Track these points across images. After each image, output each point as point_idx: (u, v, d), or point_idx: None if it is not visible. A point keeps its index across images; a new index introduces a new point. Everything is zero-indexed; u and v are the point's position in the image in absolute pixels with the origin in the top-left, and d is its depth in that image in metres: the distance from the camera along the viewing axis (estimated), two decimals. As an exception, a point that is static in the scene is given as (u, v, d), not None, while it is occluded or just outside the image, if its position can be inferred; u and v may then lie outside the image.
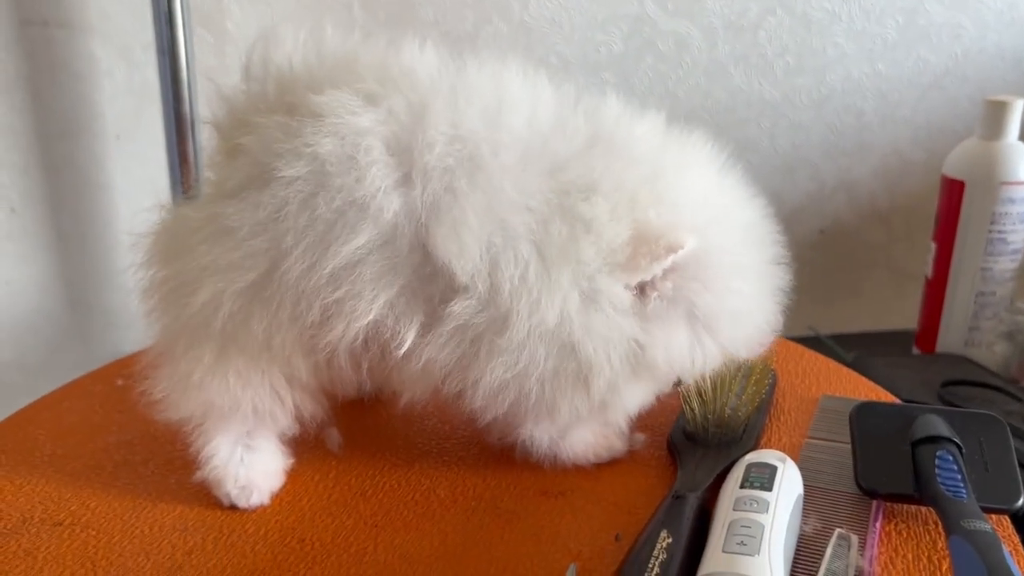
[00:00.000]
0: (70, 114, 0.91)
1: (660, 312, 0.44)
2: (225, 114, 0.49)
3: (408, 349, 0.43)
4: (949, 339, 0.87)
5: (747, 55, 0.96)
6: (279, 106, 0.45)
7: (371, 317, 0.42)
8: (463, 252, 0.41)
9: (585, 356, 0.43)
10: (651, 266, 0.42)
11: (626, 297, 0.43)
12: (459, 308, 0.42)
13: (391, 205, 0.41)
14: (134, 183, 0.95)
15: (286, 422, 0.49)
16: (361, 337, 0.44)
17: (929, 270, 0.88)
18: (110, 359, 1.01)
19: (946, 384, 0.75)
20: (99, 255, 0.96)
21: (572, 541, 0.45)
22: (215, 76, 0.91)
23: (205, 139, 0.90)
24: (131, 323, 0.99)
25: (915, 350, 0.92)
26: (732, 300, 0.46)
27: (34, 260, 0.95)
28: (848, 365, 0.70)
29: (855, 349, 0.96)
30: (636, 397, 0.48)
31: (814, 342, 1.00)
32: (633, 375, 0.45)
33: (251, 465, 0.49)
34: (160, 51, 0.84)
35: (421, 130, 0.42)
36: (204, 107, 0.90)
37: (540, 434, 0.49)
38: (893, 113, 1.00)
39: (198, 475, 0.49)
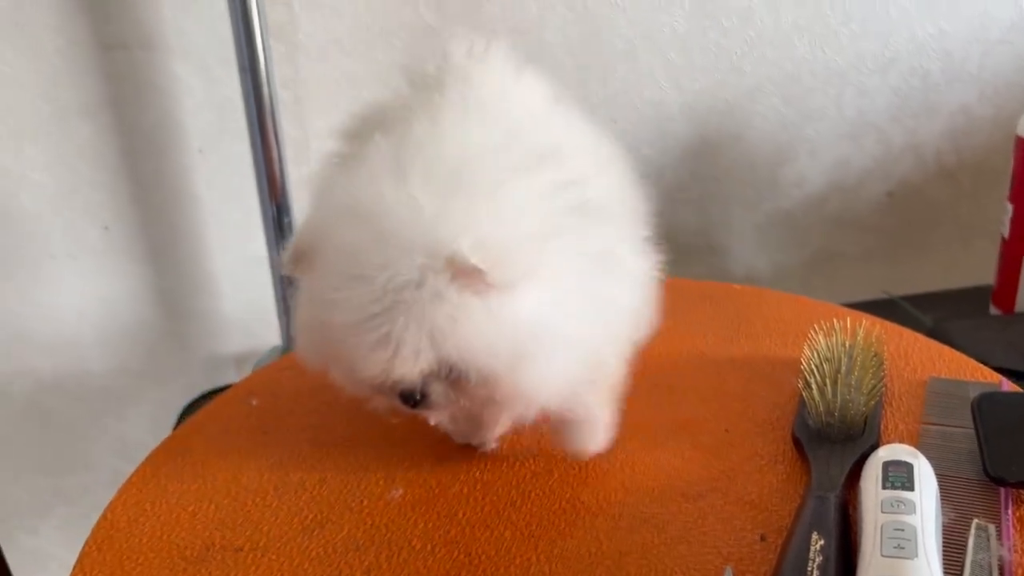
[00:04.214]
0: (154, 131, 0.94)
1: None
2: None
3: None
4: (1028, 298, 0.88)
5: (811, 25, 0.97)
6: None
7: None
8: None
9: None
10: None
11: None
12: None
13: None
14: (218, 192, 0.98)
15: None
16: None
17: (1006, 230, 0.90)
18: (206, 362, 1.05)
19: (1035, 348, 0.77)
20: (191, 263, 1.00)
21: (721, 543, 0.48)
22: (290, 86, 0.94)
23: (287, 149, 0.93)
24: (225, 326, 1.03)
25: (992, 309, 0.94)
26: None
27: (130, 273, 0.99)
28: (928, 331, 0.72)
29: (929, 309, 0.98)
30: None
31: (888, 304, 1.02)
32: None
33: None
34: (241, 68, 0.86)
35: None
36: (284, 117, 0.92)
37: None
38: (959, 71, 1.01)
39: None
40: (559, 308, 0.44)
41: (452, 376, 0.43)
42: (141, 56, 0.90)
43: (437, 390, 0.44)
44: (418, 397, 0.44)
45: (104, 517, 0.55)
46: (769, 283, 1.08)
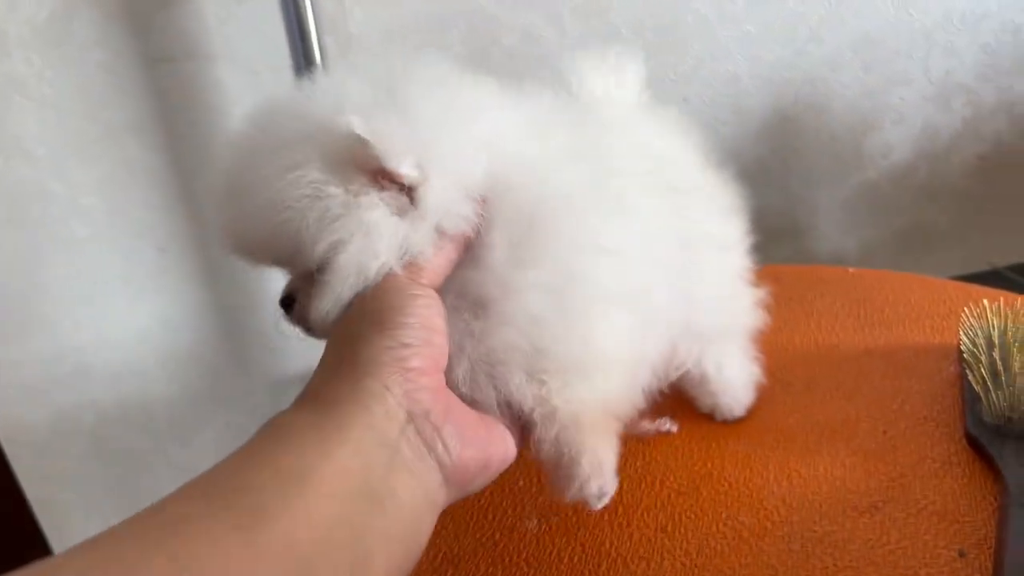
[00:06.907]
0: (205, 148, 0.89)
1: None
2: None
3: None
4: None
5: (895, -16, 0.90)
6: None
7: None
8: None
9: None
10: None
11: None
12: None
13: None
14: (275, 205, 0.93)
15: None
16: None
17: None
18: (271, 384, 1.01)
19: None
20: (249, 283, 0.95)
21: (913, 562, 0.43)
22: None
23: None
24: (288, 346, 0.98)
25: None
26: None
27: (187, 295, 0.94)
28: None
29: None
30: None
31: (992, 277, 0.96)
32: None
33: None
34: (296, 68, 0.81)
35: None
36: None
37: None
38: (1055, 23, 0.94)
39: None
40: None
41: None
42: (188, 67, 0.85)
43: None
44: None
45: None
46: (858, 262, 1.02)
